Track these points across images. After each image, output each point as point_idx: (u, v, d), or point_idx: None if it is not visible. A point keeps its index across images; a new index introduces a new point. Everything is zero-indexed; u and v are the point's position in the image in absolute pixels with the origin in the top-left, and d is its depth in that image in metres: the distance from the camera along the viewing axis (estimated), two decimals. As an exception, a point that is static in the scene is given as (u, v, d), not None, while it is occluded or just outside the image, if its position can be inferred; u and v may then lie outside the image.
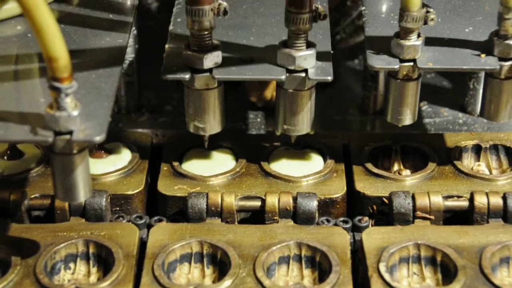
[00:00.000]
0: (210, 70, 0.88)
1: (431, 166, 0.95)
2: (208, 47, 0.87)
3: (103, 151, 0.97)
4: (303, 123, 0.92)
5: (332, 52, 0.91)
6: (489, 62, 0.87)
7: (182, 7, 0.86)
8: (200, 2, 0.84)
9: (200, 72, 0.88)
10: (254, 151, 0.98)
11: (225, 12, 0.85)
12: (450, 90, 1.16)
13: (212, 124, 0.92)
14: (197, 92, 0.90)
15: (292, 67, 0.88)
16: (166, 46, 0.92)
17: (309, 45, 0.88)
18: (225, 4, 0.85)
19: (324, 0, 1.00)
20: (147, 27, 1.18)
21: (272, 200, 0.90)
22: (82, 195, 0.80)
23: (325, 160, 0.97)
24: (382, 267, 0.83)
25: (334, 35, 1.15)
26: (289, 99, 0.91)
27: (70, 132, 0.76)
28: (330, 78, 0.87)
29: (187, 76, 0.88)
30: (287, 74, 0.88)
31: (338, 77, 1.16)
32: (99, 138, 0.76)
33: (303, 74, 0.88)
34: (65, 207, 0.89)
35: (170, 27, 0.95)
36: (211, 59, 0.87)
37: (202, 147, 0.97)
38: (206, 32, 0.86)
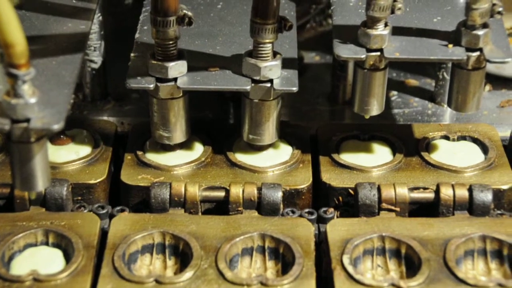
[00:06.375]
0: (175, 80, 0.87)
1: (398, 157, 0.94)
2: (173, 56, 0.87)
3: (65, 138, 0.95)
4: (269, 133, 0.92)
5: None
6: (456, 53, 0.86)
7: (149, 14, 0.85)
8: (165, 13, 0.84)
9: (165, 82, 0.88)
10: (220, 141, 0.97)
11: (190, 23, 0.85)
12: (420, 80, 1.15)
13: (177, 133, 0.92)
14: (162, 101, 0.89)
15: (257, 78, 0.87)
16: (132, 54, 0.91)
17: (275, 55, 0.87)
18: (190, 14, 0.84)
19: (292, 9, 0.99)
20: (114, 13, 1.16)
21: (236, 191, 0.89)
22: (41, 184, 0.78)
23: (292, 150, 0.96)
24: (346, 260, 0.82)
25: (304, 24, 1.13)
26: (254, 109, 0.90)
27: (28, 120, 0.75)
28: (295, 89, 0.87)
29: (151, 85, 0.87)
30: (252, 85, 0.88)
31: (307, 67, 1.15)
32: (57, 126, 0.75)
33: (269, 85, 0.88)
34: (24, 196, 0.88)
35: (136, 35, 0.94)
36: (176, 68, 0.87)
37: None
38: (171, 42, 0.86)
